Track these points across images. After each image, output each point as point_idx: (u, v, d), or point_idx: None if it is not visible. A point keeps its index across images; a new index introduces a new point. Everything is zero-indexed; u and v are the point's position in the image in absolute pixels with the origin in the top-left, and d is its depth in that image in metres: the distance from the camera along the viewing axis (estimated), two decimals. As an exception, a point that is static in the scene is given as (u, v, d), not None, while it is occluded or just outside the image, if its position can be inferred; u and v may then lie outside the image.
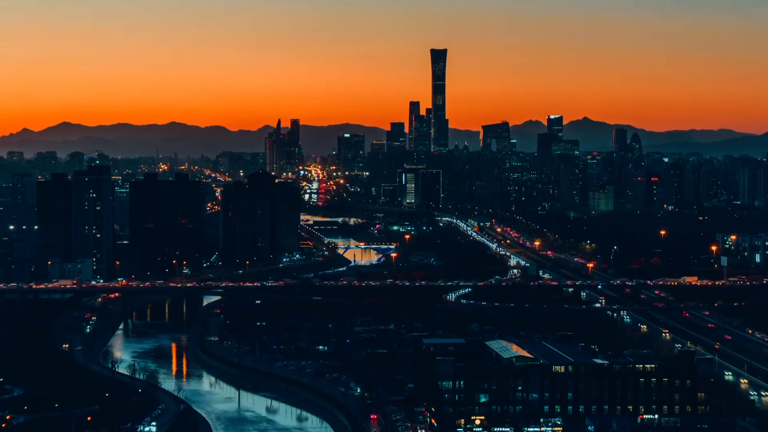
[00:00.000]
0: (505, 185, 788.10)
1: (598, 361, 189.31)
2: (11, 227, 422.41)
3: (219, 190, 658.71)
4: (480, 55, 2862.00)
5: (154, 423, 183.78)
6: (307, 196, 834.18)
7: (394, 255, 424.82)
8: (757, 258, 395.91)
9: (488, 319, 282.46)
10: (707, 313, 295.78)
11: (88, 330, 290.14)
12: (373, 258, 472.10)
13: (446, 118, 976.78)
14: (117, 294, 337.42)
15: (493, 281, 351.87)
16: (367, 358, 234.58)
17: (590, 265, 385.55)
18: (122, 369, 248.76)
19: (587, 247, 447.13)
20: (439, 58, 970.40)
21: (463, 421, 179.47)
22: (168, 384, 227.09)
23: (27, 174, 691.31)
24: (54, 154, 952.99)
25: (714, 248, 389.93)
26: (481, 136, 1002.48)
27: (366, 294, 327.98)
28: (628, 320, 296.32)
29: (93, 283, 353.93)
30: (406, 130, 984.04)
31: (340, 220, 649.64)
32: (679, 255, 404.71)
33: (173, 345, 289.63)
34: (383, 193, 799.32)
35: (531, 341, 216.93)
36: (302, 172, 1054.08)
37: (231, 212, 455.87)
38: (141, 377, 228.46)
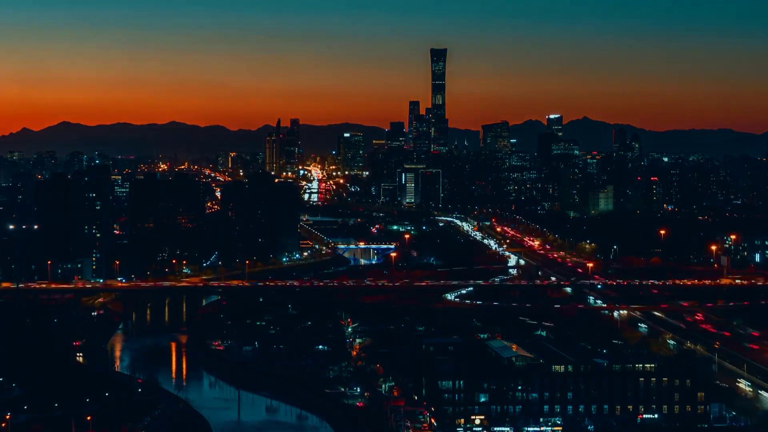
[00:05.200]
0: (505, 185, 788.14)
1: (598, 361, 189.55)
2: (11, 227, 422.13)
3: (219, 190, 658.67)
4: (480, 55, 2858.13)
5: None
6: (306, 196, 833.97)
7: (393, 255, 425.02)
8: (757, 258, 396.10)
9: (488, 319, 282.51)
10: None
11: (87, 330, 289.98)
12: (373, 258, 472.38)
13: (446, 117, 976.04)
14: (116, 294, 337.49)
15: (493, 281, 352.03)
16: (368, 358, 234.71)
17: (590, 264, 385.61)
18: (122, 369, 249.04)
19: (587, 246, 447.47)
20: (439, 57, 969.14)
21: (462, 420, 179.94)
22: (168, 384, 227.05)
23: (27, 174, 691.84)
24: (54, 154, 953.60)
25: (714, 248, 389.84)
26: (480, 136, 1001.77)
27: (366, 294, 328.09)
28: (628, 320, 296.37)
29: (93, 282, 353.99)
30: (406, 129, 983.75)
31: (340, 220, 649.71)
32: (679, 255, 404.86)
33: (173, 345, 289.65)
34: (383, 193, 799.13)
35: (531, 341, 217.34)
36: (302, 171, 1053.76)
37: (231, 212, 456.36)
38: (140, 377, 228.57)
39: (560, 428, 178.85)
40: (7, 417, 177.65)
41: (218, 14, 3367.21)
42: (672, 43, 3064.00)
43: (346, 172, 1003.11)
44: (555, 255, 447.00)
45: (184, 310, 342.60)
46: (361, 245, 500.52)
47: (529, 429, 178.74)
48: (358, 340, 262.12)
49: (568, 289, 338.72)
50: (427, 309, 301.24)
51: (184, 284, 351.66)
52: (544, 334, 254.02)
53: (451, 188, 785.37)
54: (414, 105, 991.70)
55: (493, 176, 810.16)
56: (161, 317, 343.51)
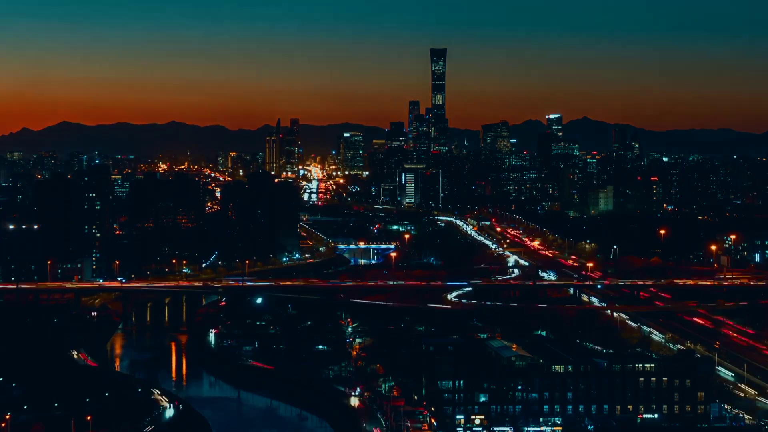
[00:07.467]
0: (505, 185, 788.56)
1: (598, 361, 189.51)
2: (11, 227, 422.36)
3: (219, 190, 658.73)
4: (480, 55, 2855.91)
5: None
6: (306, 196, 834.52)
7: (393, 255, 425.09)
8: (757, 257, 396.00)
9: (488, 319, 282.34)
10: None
11: (87, 330, 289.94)
12: (372, 258, 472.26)
13: (446, 117, 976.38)
14: (116, 294, 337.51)
15: (493, 281, 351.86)
16: (368, 358, 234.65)
17: (590, 264, 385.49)
18: (122, 369, 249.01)
19: (587, 246, 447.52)
20: (439, 57, 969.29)
21: (462, 420, 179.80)
22: (167, 384, 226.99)
23: (27, 174, 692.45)
24: (54, 154, 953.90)
25: (714, 248, 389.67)
26: (480, 136, 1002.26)
27: (366, 293, 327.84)
28: (628, 320, 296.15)
29: (93, 282, 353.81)
30: (406, 129, 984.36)
31: (340, 220, 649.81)
32: (679, 255, 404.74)
33: (173, 345, 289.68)
34: (383, 193, 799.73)
35: (531, 341, 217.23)
36: (302, 171, 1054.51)
37: (231, 212, 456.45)
38: (140, 377, 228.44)
39: (560, 428, 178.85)
40: (7, 417, 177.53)
41: (218, 14, 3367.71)
42: (672, 44, 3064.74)
43: (346, 172, 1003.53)
44: (555, 255, 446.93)
45: (184, 309, 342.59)
46: (361, 245, 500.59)
47: (529, 429, 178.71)
48: (358, 340, 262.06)
49: (569, 289, 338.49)
50: (427, 309, 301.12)
51: (184, 284, 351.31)
52: (544, 334, 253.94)
53: (451, 188, 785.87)
54: (414, 105, 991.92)
55: (493, 176, 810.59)
56: (161, 317, 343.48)
